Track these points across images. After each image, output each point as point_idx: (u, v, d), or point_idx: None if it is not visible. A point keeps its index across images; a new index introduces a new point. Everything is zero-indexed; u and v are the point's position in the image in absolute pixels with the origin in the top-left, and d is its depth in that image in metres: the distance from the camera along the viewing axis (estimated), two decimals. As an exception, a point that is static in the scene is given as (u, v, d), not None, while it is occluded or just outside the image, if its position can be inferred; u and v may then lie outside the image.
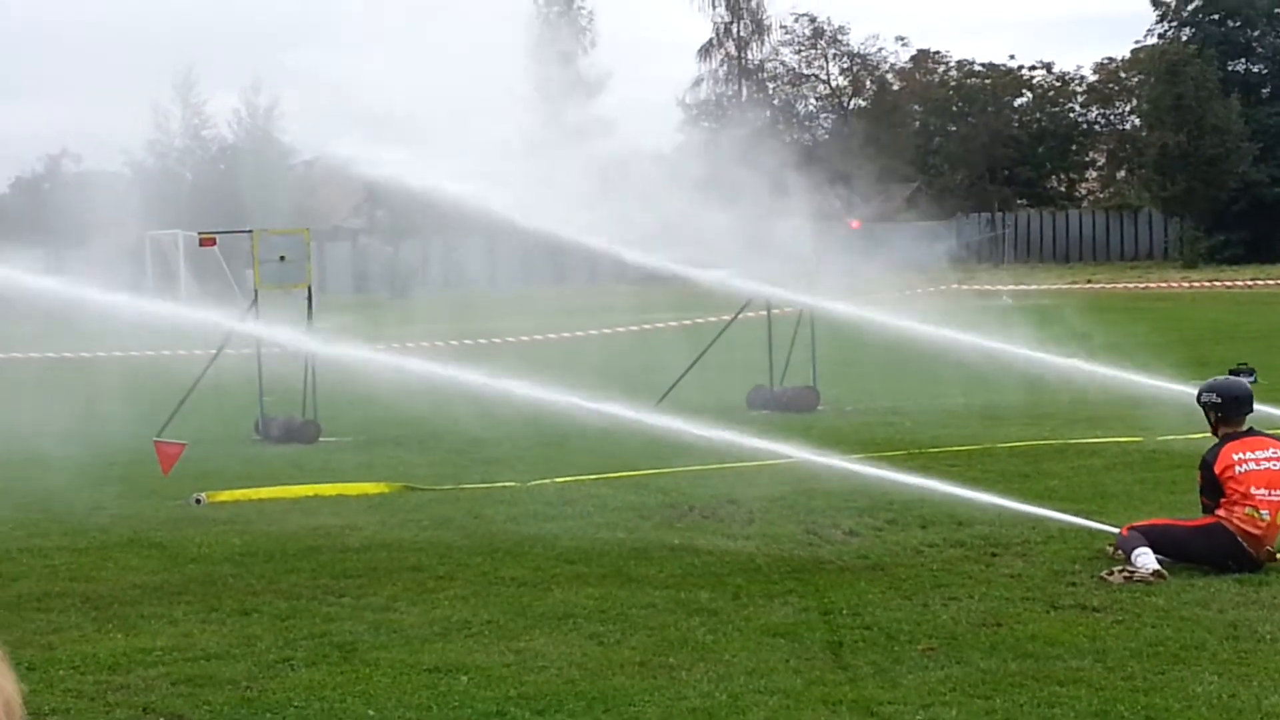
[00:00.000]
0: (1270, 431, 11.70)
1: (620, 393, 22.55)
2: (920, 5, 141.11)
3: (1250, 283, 54.77)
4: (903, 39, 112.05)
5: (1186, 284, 54.93)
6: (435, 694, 8.28)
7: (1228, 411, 11.21)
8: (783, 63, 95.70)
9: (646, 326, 31.80)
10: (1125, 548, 10.87)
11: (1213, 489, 10.99)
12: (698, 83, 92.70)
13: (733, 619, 9.66)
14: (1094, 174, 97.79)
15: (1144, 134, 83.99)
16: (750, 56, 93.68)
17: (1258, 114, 78.71)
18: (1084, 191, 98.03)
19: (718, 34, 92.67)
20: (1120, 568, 10.60)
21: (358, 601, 10.35)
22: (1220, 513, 10.84)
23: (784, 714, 7.86)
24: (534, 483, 15.25)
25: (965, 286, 38.61)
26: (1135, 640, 8.99)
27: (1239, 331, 35.92)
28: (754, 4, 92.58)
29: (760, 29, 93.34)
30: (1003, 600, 10.00)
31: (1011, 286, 50.98)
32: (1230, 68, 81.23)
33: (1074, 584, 10.41)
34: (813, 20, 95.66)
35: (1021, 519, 12.56)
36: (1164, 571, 10.48)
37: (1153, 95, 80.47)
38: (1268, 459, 10.93)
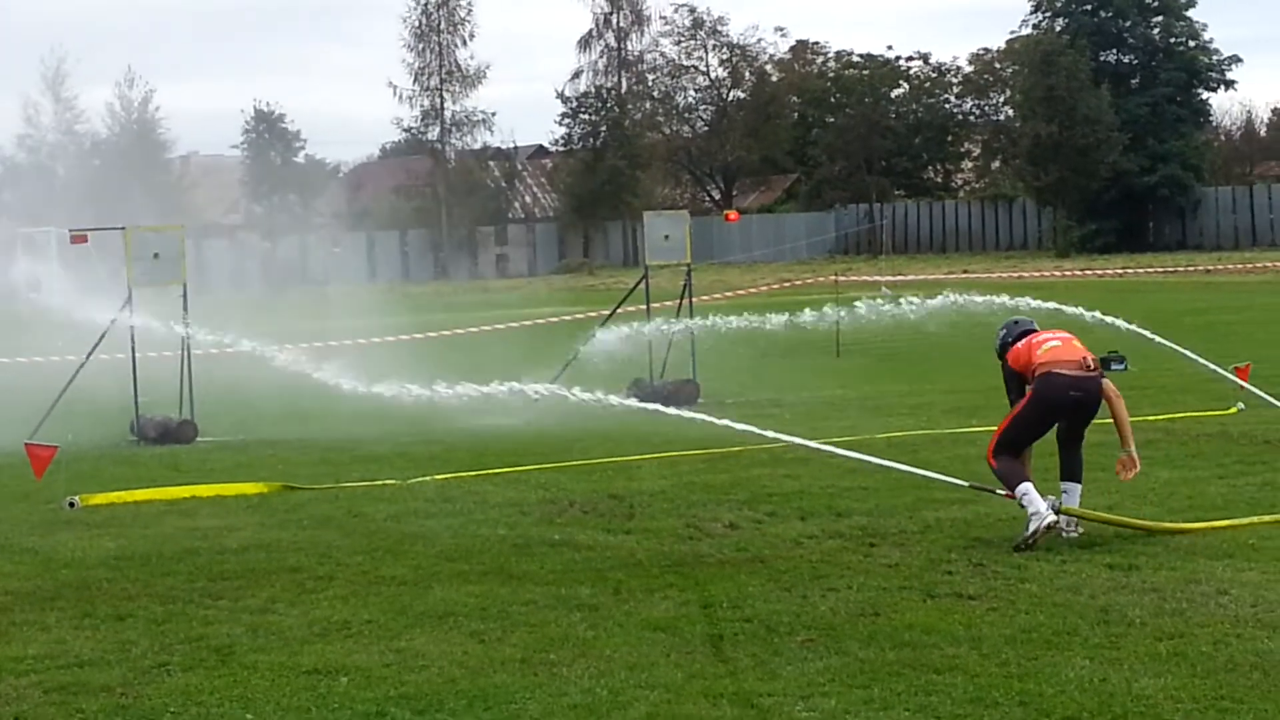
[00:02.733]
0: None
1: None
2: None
3: (1121, 271, 55.68)
4: (782, 30, 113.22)
5: (1060, 273, 55.67)
6: (314, 696, 8.23)
7: (1016, 334, 11.98)
8: (662, 54, 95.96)
9: (527, 323, 31.79)
10: (1007, 484, 11.42)
11: (1015, 381, 11.79)
12: (577, 75, 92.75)
13: (613, 614, 9.68)
14: (969, 165, 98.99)
15: (1018, 125, 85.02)
16: (630, 48, 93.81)
17: (1128, 104, 79.94)
18: (960, 182, 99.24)
19: (598, 25, 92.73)
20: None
21: (235, 604, 10.26)
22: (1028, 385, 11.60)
23: (665, 708, 7.88)
24: (414, 480, 15.19)
25: (844, 278, 38.91)
26: (1010, 627, 9.11)
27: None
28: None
29: (640, 20, 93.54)
30: (880, 590, 10.10)
31: (889, 277, 51.44)
32: (1102, 58, 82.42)
33: (950, 573, 10.54)
34: (692, 11, 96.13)
35: (898, 510, 12.73)
36: (1055, 520, 11.13)
37: (1026, 86, 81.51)
38: (1043, 335, 11.82)
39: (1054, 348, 11.57)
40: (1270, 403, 16.78)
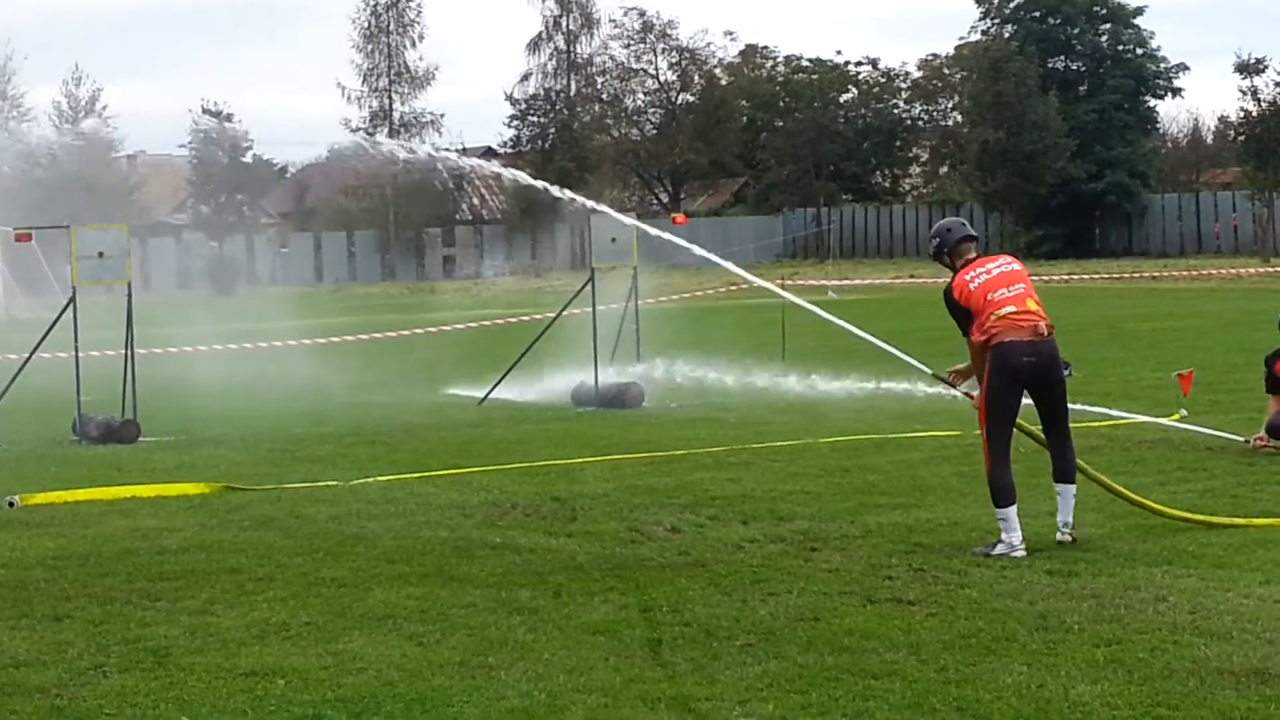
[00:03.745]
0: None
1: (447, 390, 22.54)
2: (749, 0, 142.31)
3: (1067, 277, 56.01)
4: (731, 34, 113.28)
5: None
6: (251, 698, 8.18)
7: (951, 243, 11.86)
8: (612, 57, 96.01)
9: (473, 325, 31.71)
10: (995, 499, 11.33)
11: (963, 316, 11.64)
12: (526, 77, 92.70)
13: (553, 617, 9.66)
14: (917, 170, 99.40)
15: (966, 130, 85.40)
16: (579, 50, 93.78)
17: (1075, 111, 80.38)
18: (907, 187, 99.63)
19: (547, 27, 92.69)
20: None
21: (174, 605, 10.19)
22: (978, 337, 11.47)
23: (602, 712, 7.87)
24: (356, 481, 15.14)
25: (790, 281, 38.98)
26: (948, 633, 9.13)
27: (1056, 325, 36.59)
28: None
29: (590, 23, 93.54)
30: (821, 595, 10.10)
31: (836, 281, 51.63)
32: (1050, 65, 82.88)
33: (890, 578, 10.55)
34: (642, 14, 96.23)
35: (840, 514, 12.76)
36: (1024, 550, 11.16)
37: (974, 92, 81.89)
38: (996, 267, 11.70)
39: (1009, 315, 11.42)
40: (1196, 431, 16.67)
